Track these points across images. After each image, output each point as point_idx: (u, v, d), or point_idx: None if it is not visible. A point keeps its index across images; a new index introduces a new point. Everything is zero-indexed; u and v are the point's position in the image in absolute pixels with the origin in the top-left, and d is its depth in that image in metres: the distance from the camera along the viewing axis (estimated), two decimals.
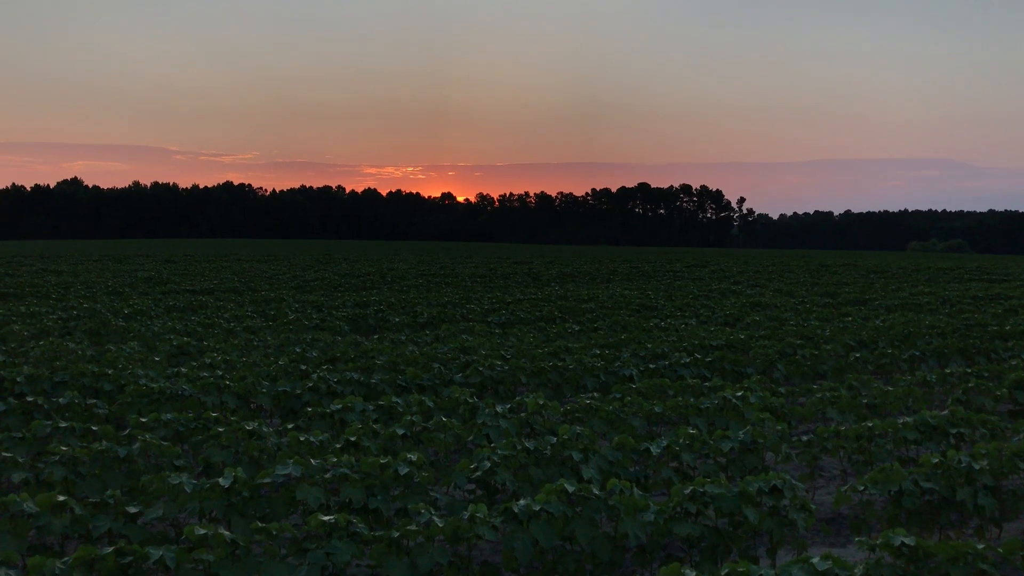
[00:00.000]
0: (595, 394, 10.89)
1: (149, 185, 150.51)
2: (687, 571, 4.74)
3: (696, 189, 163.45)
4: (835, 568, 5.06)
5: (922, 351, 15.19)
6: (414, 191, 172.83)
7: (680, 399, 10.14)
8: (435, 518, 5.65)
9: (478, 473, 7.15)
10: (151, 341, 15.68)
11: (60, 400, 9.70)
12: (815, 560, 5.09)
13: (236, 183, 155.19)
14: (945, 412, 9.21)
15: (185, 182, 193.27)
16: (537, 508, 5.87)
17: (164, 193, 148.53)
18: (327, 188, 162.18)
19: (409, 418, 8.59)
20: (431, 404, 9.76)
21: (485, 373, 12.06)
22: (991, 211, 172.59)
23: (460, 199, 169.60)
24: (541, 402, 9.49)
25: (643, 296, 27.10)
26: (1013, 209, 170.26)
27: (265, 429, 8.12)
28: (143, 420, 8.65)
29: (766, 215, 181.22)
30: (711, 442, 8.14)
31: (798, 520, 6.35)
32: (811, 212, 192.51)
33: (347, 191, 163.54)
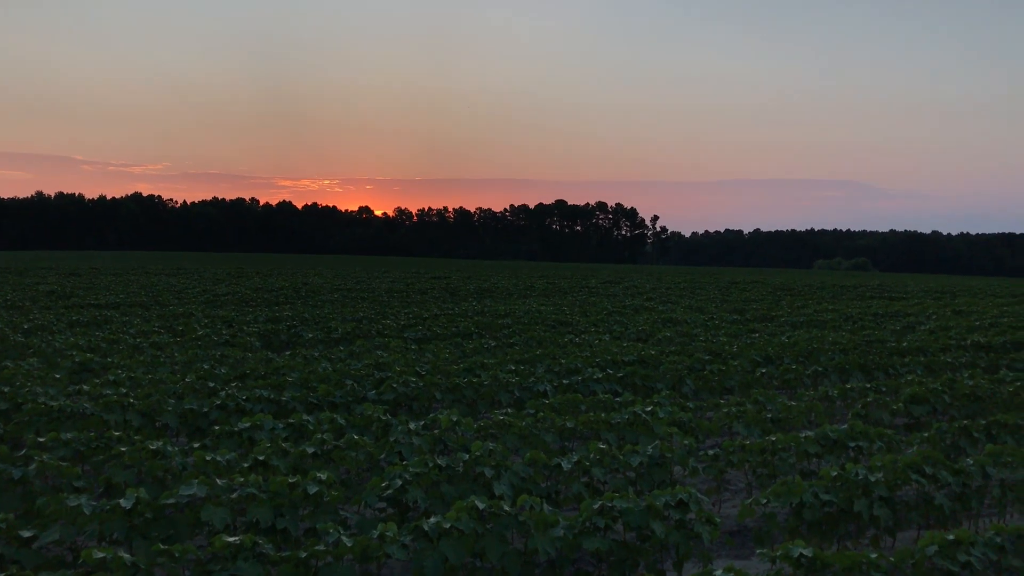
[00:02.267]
0: (509, 410, 10.94)
1: (53, 195, 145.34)
2: None
3: (612, 206, 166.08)
4: None
5: (825, 367, 15.70)
6: (331, 204, 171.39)
7: (592, 414, 10.26)
8: (344, 537, 5.60)
9: (389, 491, 7.11)
10: (52, 357, 15.12)
11: None
12: (718, 573, 5.22)
13: (146, 194, 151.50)
14: (845, 426, 9.54)
15: (92, 192, 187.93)
16: (448, 525, 5.87)
17: (69, 204, 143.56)
18: (240, 200, 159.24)
19: (320, 436, 8.49)
20: (343, 422, 9.67)
21: (399, 390, 12.00)
22: (892, 231, 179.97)
23: (378, 213, 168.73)
24: (455, 418, 9.49)
25: (559, 312, 27.34)
26: (912, 229, 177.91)
27: (170, 448, 7.93)
28: (41, 440, 8.33)
29: (679, 233, 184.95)
30: (621, 457, 8.26)
31: (704, 533, 6.49)
32: (722, 230, 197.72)
33: (261, 204, 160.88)
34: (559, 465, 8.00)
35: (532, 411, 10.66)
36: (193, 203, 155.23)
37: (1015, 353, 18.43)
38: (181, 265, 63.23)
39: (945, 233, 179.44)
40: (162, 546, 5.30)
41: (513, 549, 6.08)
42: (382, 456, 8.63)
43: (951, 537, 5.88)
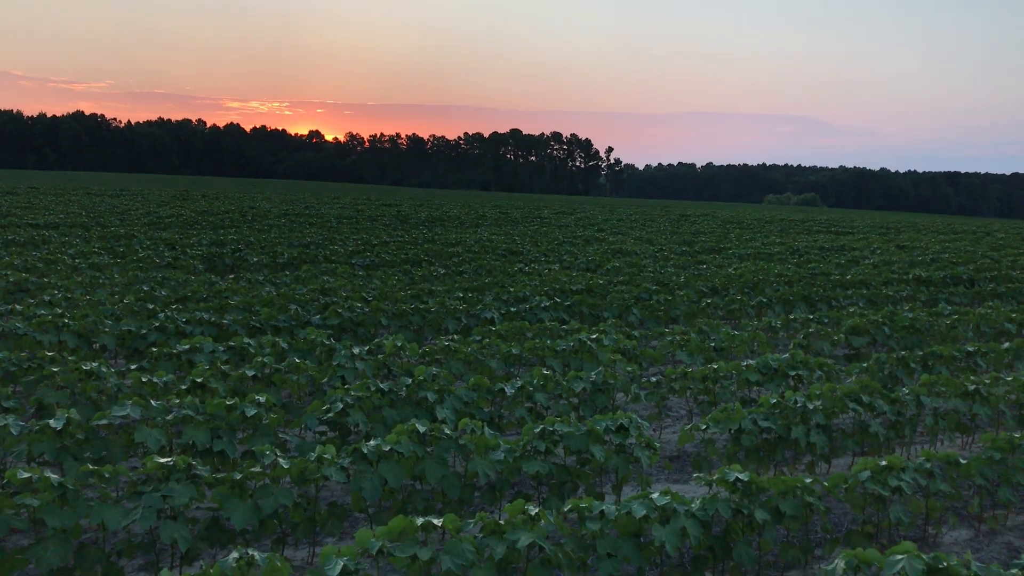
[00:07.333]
0: (455, 336, 10.88)
1: None
2: (531, 507, 4.81)
3: (567, 137, 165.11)
4: (673, 503, 5.23)
5: (769, 298, 15.88)
6: (280, 128, 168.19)
7: (538, 341, 10.25)
8: (281, 459, 5.51)
9: (330, 414, 7.03)
10: None
11: None
12: (655, 495, 5.25)
13: (88, 113, 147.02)
14: (786, 355, 9.65)
15: (31, 110, 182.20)
16: (387, 448, 5.82)
17: (7, 121, 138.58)
18: (187, 121, 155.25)
19: (261, 359, 8.35)
20: (286, 346, 9.52)
21: (344, 315, 11.86)
22: (842, 167, 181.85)
23: (329, 138, 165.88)
24: (399, 344, 9.41)
25: (510, 241, 27.24)
26: (861, 166, 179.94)
27: (105, 369, 7.73)
28: None
29: (632, 165, 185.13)
30: (564, 383, 8.27)
31: (643, 458, 6.53)
32: (675, 163, 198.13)
33: (208, 125, 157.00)
34: (502, 390, 7.98)
35: (478, 338, 10.62)
36: (138, 123, 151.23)
37: (954, 288, 18.83)
38: (124, 186, 61.65)
39: (893, 170, 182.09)
40: (92, 467, 5.16)
41: (453, 472, 6.06)
42: (324, 380, 8.54)
43: (883, 463, 5.99)
